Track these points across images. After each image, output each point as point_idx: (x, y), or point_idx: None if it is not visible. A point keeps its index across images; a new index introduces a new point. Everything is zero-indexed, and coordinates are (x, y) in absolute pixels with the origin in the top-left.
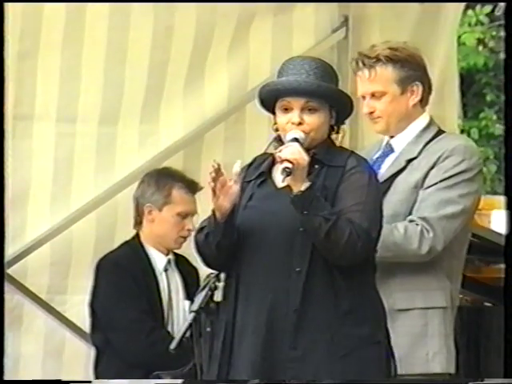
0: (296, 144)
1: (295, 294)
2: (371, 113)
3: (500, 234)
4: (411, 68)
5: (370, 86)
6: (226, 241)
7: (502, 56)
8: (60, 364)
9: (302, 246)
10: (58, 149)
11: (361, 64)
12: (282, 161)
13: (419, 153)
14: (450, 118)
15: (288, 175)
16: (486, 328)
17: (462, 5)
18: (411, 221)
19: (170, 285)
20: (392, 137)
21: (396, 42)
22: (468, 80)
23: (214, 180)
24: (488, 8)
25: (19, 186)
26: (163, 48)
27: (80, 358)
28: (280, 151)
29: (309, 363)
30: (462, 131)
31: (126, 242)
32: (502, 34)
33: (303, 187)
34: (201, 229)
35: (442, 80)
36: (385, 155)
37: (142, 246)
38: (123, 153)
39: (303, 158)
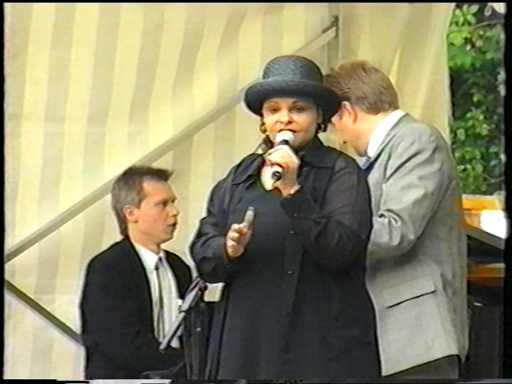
0: (286, 147)
1: (287, 297)
2: (344, 142)
3: (490, 235)
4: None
5: None
6: (233, 272)
7: (489, 56)
8: (48, 363)
9: (293, 249)
10: (47, 148)
11: None
12: (272, 164)
13: (382, 150)
14: (440, 117)
15: (278, 179)
16: (475, 328)
17: (453, 5)
18: (380, 215)
19: (162, 283)
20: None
21: (331, 68)
22: (455, 80)
23: (236, 240)
24: (475, 8)
25: (7, 185)
26: (152, 47)
27: (68, 357)
28: (270, 154)
29: (301, 365)
30: (450, 131)
31: (117, 243)
32: (489, 33)
33: (293, 190)
34: (204, 258)
35: (432, 80)
36: (364, 165)
37: (132, 246)
38: (112, 153)
39: (293, 161)
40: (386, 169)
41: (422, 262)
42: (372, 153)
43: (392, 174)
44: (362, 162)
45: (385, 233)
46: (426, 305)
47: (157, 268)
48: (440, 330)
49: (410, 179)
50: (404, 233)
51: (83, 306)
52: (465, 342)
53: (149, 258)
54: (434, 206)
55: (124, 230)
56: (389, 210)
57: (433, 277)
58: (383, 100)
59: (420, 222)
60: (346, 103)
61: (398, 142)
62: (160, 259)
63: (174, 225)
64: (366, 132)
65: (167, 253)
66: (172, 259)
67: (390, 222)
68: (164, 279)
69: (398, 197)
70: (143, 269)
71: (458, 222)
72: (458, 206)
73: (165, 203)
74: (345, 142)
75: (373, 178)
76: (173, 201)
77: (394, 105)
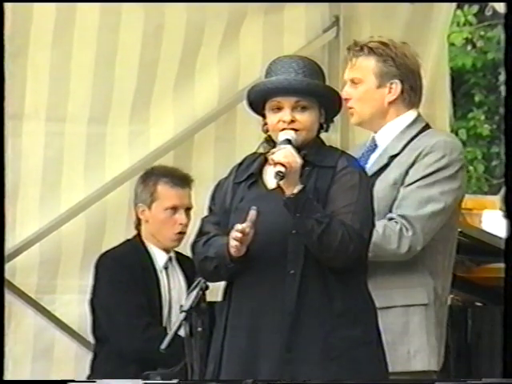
0: (289, 146)
1: (289, 296)
2: (346, 100)
3: (491, 234)
4: (395, 66)
5: (351, 73)
6: (235, 271)
7: (491, 56)
8: (49, 363)
9: (295, 248)
10: (48, 148)
11: (350, 53)
12: (275, 164)
13: (402, 149)
14: (441, 117)
15: (281, 179)
16: (476, 328)
17: (454, 5)
18: (391, 218)
19: (171, 282)
20: (376, 132)
21: (392, 40)
22: (456, 80)
23: (239, 240)
24: (476, 8)
25: (8, 185)
26: (153, 48)
27: (69, 357)
28: (273, 154)
29: (302, 365)
30: (451, 131)
31: (128, 240)
32: (490, 34)
33: (296, 190)
34: (206, 257)
35: (432, 80)
36: (370, 151)
37: (143, 243)
38: (113, 153)
39: (296, 160)
40: (407, 173)
41: (419, 272)
42: (381, 141)
43: (414, 182)
44: (365, 146)
45: (394, 240)
46: (415, 315)
47: (166, 267)
48: (424, 343)
49: (431, 192)
50: (413, 243)
51: (93, 300)
52: (442, 355)
53: (159, 257)
54: (444, 220)
55: (138, 226)
56: (403, 217)
57: (427, 289)
58: (418, 100)
59: (430, 236)
60: (398, 83)
61: (427, 152)
62: (170, 259)
63: (182, 233)
64: (387, 117)
65: (177, 253)
66: (182, 260)
67: (401, 229)
68: (173, 279)
69: (416, 206)
70: (153, 266)
71: (454, 237)
72: (457, 220)
73: (175, 210)
74: (351, 107)
75: (390, 176)
76: (188, 209)
77: (417, 104)
